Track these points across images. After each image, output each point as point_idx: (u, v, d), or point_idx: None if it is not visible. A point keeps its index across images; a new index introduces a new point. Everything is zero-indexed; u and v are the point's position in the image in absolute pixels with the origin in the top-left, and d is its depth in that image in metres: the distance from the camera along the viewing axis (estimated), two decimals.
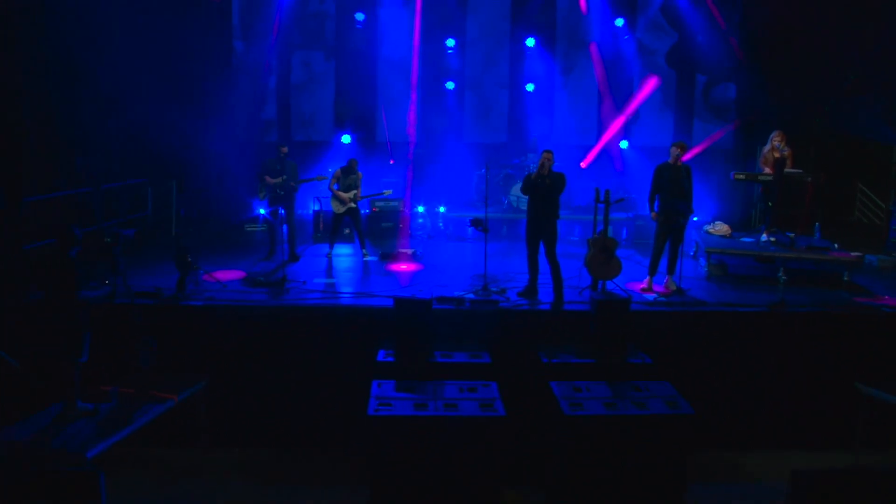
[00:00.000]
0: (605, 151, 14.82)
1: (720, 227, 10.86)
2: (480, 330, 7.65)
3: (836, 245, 9.79)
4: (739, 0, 14.23)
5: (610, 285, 8.30)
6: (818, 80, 12.95)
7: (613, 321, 7.07)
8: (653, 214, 8.77)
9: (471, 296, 8.13)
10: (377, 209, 12.40)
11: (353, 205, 10.30)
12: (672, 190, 8.54)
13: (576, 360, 6.98)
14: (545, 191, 8.16)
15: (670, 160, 8.63)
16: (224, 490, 7.04)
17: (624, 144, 14.95)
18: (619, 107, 14.92)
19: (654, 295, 8.50)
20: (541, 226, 8.21)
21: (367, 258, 10.40)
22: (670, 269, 8.78)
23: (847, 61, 12.44)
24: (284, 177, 9.51)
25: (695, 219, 12.20)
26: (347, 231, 11.43)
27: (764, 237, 10.14)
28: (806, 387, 7.91)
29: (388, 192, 11.27)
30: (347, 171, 10.36)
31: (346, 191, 10.23)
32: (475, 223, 8.52)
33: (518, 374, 7.04)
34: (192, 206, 12.43)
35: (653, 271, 8.72)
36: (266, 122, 14.73)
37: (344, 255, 10.76)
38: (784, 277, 9.27)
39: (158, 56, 11.28)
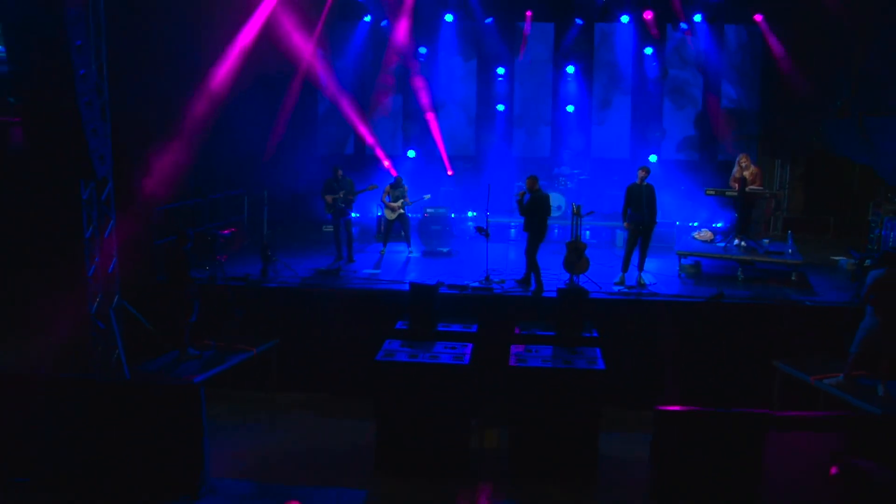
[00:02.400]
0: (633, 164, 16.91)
1: (704, 234, 12.92)
2: (477, 309, 10.19)
3: (790, 250, 11.70)
4: (756, 39, 16.07)
5: (583, 278, 10.66)
6: (819, 105, 14.65)
7: (572, 305, 9.44)
8: (625, 224, 11.07)
9: (475, 283, 10.70)
10: (427, 214, 15.04)
11: (401, 211, 13.03)
12: (639, 204, 10.81)
13: (540, 332, 9.40)
14: (529, 206, 10.58)
15: (637, 181, 10.89)
16: (286, 418, 9.91)
17: (653, 158, 16.95)
18: (646, 126, 17.04)
19: (621, 286, 10.79)
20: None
21: (412, 255, 13.10)
22: (640, 266, 11.04)
23: (839, 87, 14.09)
24: (342, 193, 12.24)
25: (695, 224, 14.32)
26: (403, 233, 14.13)
27: (736, 242, 12.14)
28: (732, 362, 10.00)
29: (427, 196, 13.83)
30: (395, 185, 13.10)
31: (395, 201, 12.97)
32: (479, 230, 11.06)
33: (497, 341, 9.48)
34: (282, 212, 15.49)
35: (625, 268, 11.01)
36: (345, 138, 17.66)
37: (396, 252, 13.47)
38: (741, 276, 11.40)
39: (254, 85, 14.27)
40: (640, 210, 10.77)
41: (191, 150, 11.58)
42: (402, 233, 13.54)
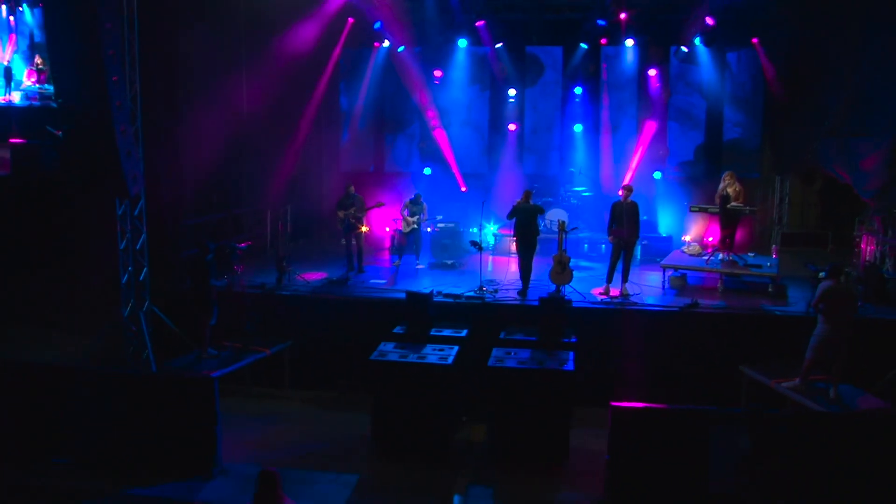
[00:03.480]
0: (640, 178, 17.72)
1: (693, 247, 13.73)
2: (469, 316, 11.17)
3: (768, 264, 12.43)
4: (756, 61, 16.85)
5: (570, 289, 11.58)
6: (813, 124, 15.35)
7: (552, 313, 10.38)
8: (610, 238, 11.96)
9: (469, 293, 11.70)
10: (438, 229, 16.07)
11: (415, 226, 14.13)
12: (621, 220, 11.71)
13: (523, 337, 10.35)
14: (523, 216, 11.58)
15: (621, 199, 11.80)
16: (295, 412, 11.00)
17: (657, 175, 17.75)
18: (651, 145, 17.84)
19: (605, 297, 11.68)
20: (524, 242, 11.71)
21: (419, 266, 14.15)
22: (624, 278, 11.92)
23: (829, 107, 14.75)
24: (353, 209, 13.35)
25: (686, 238, 15.10)
26: (414, 246, 15.16)
27: (720, 256, 12.92)
28: (703, 367, 10.81)
29: (439, 217, 14.85)
30: (414, 202, 14.25)
31: (412, 216, 14.09)
32: (473, 243, 12.07)
33: (484, 345, 10.42)
34: (306, 226, 16.72)
35: (609, 279, 11.91)
36: (366, 156, 18.84)
37: (406, 263, 14.52)
38: (721, 288, 12.20)
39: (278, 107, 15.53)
40: (622, 226, 11.67)
41: (216, 170, 12.81)
42: (414, 246, 14.58)
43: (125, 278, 10.94)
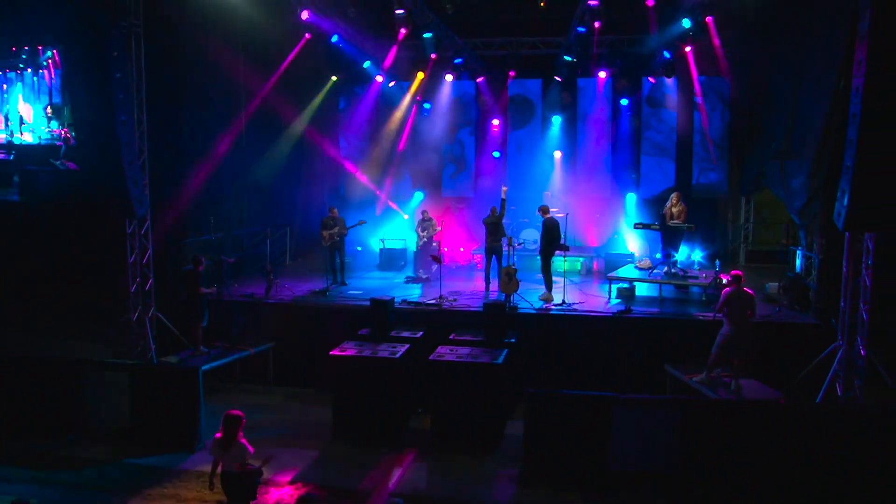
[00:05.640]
0: (610, 200, 19.20)
1: (644, 262, 15.11)
2: (428, 320, 12.72)
3: (703, 275, 13.78)
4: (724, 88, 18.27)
5: (516, 297, 13.11)
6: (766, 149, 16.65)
7: (493, 316, 11.89)
8: (540, 252, 13.57)
9: (431, 301, 13.28)
10: (421, 247, 17.68)
11: (425, 240, 16.22)
12: (548, 237, 13.28)
13: (471, 337, 11.86)
14: (493, 226, 13.24)
15: (544, 219, 13.43)
16: (274, 404, 12.64)
17: (630, 197, 19.15)
18: (627, 167, 19.34)
19: (546, 303, 13.18)
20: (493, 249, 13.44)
21: (395, 280, 15.85)
22: (546, 286, 13.51)
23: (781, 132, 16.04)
24: (336, 229, 15.10)
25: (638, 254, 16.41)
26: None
27: (665, 269, 14.27)
28: (634, 365, 12.18)
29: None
30: (425, 217, 16.39)
31: (423, 232, 16.02)
32: (434, 258, 13.68)
33: (436, 344, 11.95)
34: (306, 244, 18.51)
35: (549, 288, 13.46)
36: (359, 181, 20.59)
37: (387, 277, 16.19)
38: (661, 296, 13.59)
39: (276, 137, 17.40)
40: (548, 242, 13.30)
41: (216, 196, 14.65)
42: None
43: (133, 288, 12.72)
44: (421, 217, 16.98)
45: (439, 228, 16.47)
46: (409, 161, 20.38)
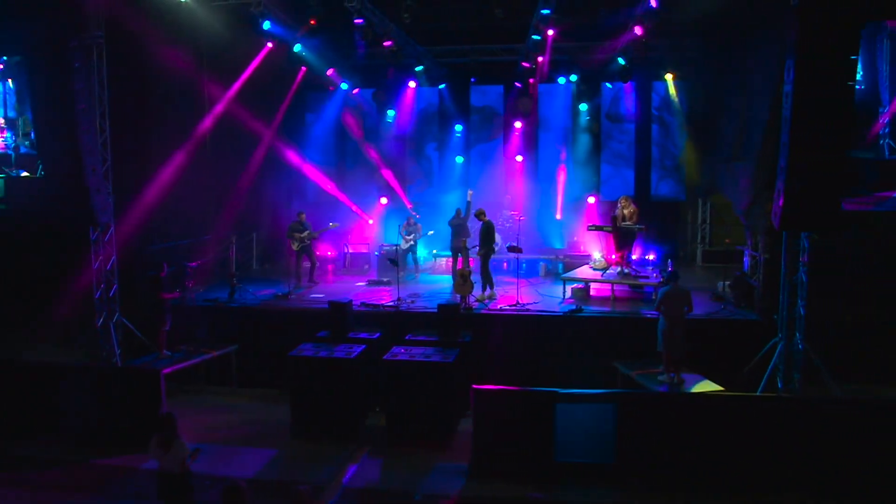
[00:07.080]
0: (572, 204, 19.69)
1: (599, 263, 15.60)
2: (385, 322, 13.14)
3: (654, 275, 14.31)
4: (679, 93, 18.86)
5: (471, 298, 13.56)
6: (718, 153, 17.23)
7: (449, 317, 12.33)
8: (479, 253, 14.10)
9: (390, 303, 13.70)
10: (385, 252, 18.07)
11: (412, 243, 16.82)
12: (484, 238, 13.85)
13: (426, 338, 12.29)
14: (458, 228, 13.72)
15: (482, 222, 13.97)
16: (237, 405, 12.98)
17: (591, 200, 19.64)
18: (584, 172, 19.86)
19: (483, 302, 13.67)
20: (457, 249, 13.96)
21: (357, 283, 16.26)
22: (488, 285, 14.07)
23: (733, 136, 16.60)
24: (306, 233, 15.54)
25: (596, 255, 16.92)
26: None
27: (618, 269, 14.77)
28: (585, 362, 12.62)
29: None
30: (410, 223, 16.95)
31: (409, 235, 16.59)
32: (391, 260, 14.12)
33: (392, 345, 12.37)
34: (272, 249, 18.88)
35: (492, 287, 13.96)
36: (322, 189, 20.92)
37: (351, 282, 16.62)
38: (614, 296, 14.08)
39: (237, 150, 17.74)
40: (485, 243, 13.87)
41: (180, 203, 14.97)
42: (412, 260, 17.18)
43: (98, 294, 13.02)
44: (406, 222, 17.56)
45: (431, 233, 17.20)
46: (374, 167, 20.71)
